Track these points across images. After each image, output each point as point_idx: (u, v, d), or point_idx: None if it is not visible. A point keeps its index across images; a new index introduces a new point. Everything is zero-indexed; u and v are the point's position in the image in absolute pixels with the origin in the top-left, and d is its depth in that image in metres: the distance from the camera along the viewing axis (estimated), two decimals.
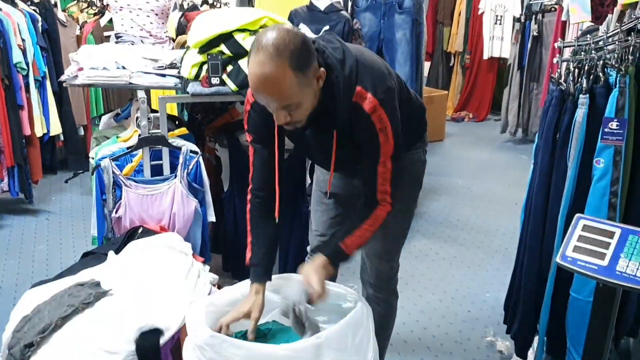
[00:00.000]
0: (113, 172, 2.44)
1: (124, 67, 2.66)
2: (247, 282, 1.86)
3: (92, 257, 2.38)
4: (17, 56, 4.03)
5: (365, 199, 1.84)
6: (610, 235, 1.73)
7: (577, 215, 1.83)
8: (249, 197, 1.94)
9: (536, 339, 2.36)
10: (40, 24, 4.36)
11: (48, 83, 4.42)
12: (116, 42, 3.45)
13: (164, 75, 2.67)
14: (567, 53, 2.31)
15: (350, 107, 1.68)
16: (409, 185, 2.14)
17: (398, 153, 1.76)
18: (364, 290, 2.32)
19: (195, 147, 2.61)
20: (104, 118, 3.35)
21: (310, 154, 2.09)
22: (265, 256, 1.87)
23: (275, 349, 1.58)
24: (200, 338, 1.64)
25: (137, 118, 2.54)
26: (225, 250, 3.11)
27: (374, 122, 1.69)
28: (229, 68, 2.50)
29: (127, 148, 2.55)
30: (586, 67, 2.12)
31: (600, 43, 2.13)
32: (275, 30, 1.55)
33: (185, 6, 4.28)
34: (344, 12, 3.70)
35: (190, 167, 2.53)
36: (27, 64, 4.14)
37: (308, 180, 2.90)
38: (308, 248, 2.41)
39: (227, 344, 1.59)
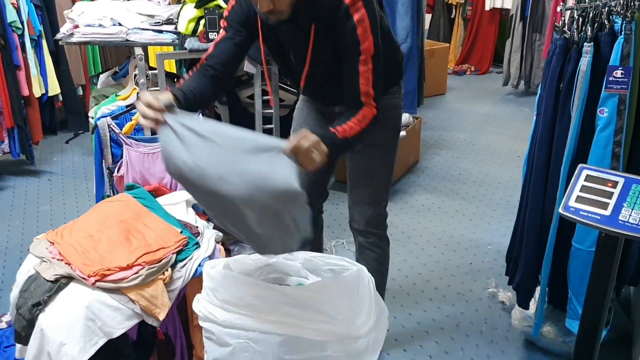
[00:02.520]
0: (113, 131, 2.43)
1: (120, 24, 2.62)
2: (258, 255, 1.85)
3: None
4: (11, 15, 3.96)
5: (350, 104, 1.82)
6: (614, 184, 1.72)
7: (580, 165, 1.82)
8: (194, 69, 1.84)
9: (538, 289, 2.39)
10: None
11: (44, 42, 4.36)
12: None
13: (160, 32, 2.63)
14: (570, 1, 2.26)
15: (330, 1, 1.71)
16: (388, 131, 2.15)
17: (378, 53, 1.77)
18: (355, 239, 2.34)
19: None
20: (102, 77, 3.31)
21: (285, 61, 2.06)
22: (190, 93, 1.74)
23: (288, 288, 1.60)
24: (214, 280, 1.65)
25: (135, 76, 2.52)
26: None
27: (352, 14, 1.71)
28: None
29: (126, 106, 2.53)
30: (590, 15, 2.07)
31: None
32: None
33: None
34: None
35: None
36: (22, 23, 4.07)
37: None
38: None
39: (241, 283, 1.61)
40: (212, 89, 1.84)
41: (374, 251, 2.29)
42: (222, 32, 1.88)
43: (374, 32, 1.75)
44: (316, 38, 1.79)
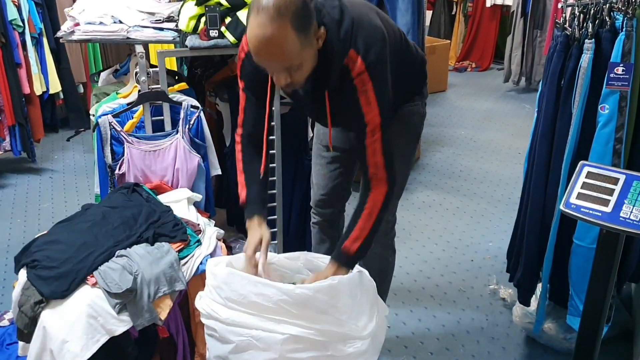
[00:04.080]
0: (114, 128, 2.43)
1: (120, 22, 2.61)
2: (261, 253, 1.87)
3: None
4: (12, 13, 3.97)
5: (362, 179, 1.78)
6: (615, 181, 1.72)
7: (581, 162, 1.82)
8: (237, 139, 1.93)
9: (539, 286, 2.39)
10: None
11: (45, 40, 4.36)
12: None
13: (161, 29, 2.62)
14: None
15: (341, 69, 1.65)
16: (407, 137, 2.13)
17: (387, 123, 1.70)
18: None
19: (195, 102, 2.58)
20: (103, 74, 3.30)
21: (305, 111, 2.07)
22: (260, 192, 1.88)
23: (292, 287, 1.60)
24: (218, 277, 1.66)
25: (136, 73, 2.51)
26: (229, 204, 3.12)
27: (357, 85, 1.65)
28: (227, 20, 2.45)
29: (128, 104, 2.53)
30: (592, 11, 2.07)
31: None
32: None
33: None
34: None
35: (192, 122, 2.52)
36: (23, 21, 4.07)
37: (310, 134, 2.89)
38: (311, 203, 2.42)
39: (245, 281, 1.61)
40: (261, 153, 1.90)
41: (378, 260, 2.25)
42: (242, 94, 1.87)
43: (381, 101, 1.67)
44: (332, 103, 1.75)
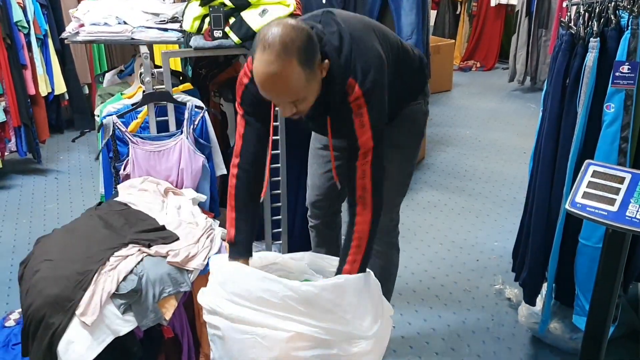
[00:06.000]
0: (119, 129, 2.43)
1: (125, 22, 2.62)
2: (265, 253, 1.88)
3: None
4: (17, 14, 3.98)
5: (348, 203, 1.78)
6: (620, 180, 1.71)
7: (587, 161, 1.81)
8: (234, 171, 1.86)
9: (545, 286, 2.38)
10: None
11: (50, 41, 4.37)
12: None
13: (166, 30, 2.62)
14: None
15: (342, 94, 1.68)
16: (410, 135, 2.14)
17: (380, 149, 1.71)
18: None
19: (200, 103, 2.58)
20: (108, 75, 3.31)
21: (305, 127, 2.09)
22: (249, 234, 1.85)
23: (298, 284, 1.60)
24: (223, 273, 1.66)
25: (140, 74, 2.51)
26: None
27: (352, 108, 1.68)
28: (232, 20, 2.45)
29: (132, 105, 2.53)
30: (597, 10, 2.06)
31: None
32: (280, 26, 1.53)
33: None
34: None
35: (196, 122, 2.52)
36: (28, 22, 4.09)
37: None
38: (307, 204, 2.42)
39: (252, 276, 1.61)
40: (257, 200, 1.87)
41: (382, 259, 2.24)
42: (240, 120, 1.84)
43: (375, 125, 1.69)
44: (333, 124, 1.79)
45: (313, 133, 2.30)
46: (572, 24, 2.14)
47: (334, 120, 1.79)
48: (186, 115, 2.50)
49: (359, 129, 1.69)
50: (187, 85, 2.69)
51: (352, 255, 1.73)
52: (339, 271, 1.75)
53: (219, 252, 2.18)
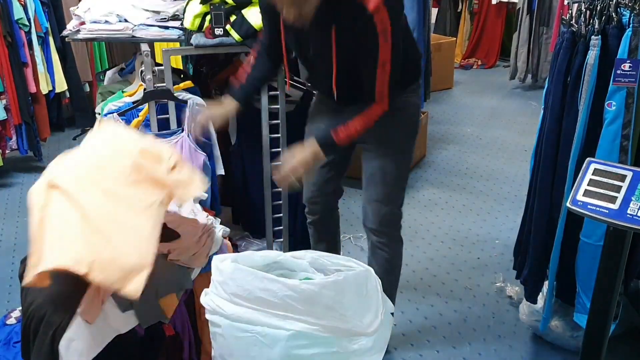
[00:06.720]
0: None
1: (126, 20, 2.62)
2: (266, 251, 1.89)
3: None
4: (18, 12, 3.97)
5: (366, 99, 1.90)
6: (622, 178, 1.71)
7: (588, 159, 1.81)
8: (254, 53, 2.18)
9: (546, 283, 2.38)
10: None
11: (51, 39, 4.37)
12: None
13: (166, 28, 2.63)
14: None
15: (353, 5, 1.70)
16: (405, 129, 2.14)
17: (397, 57, 1.80)
18: (368, 238, 2.33)
19: (201, 100, 2.59)
20: (109, 73, 3.31)
21: (311, 64, 2.10)
22: (253, 83, 2.14)
23: (297, 283, 1.60)
24: (224, 273, 1.66)
25: (141, 72, 2.52)
26: (234, 202, 3.12)
27: (376, 23, 1.71)
28: (233, 18, 2.45)
29: (133, 102, 2.53)
30: (598, 7, 2.06)
31: None
32: None
33: None
34: None
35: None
36: (29, 20, 4.08)
37: None
38: (303, 201, 2.42)
39: (251, 277, 1.62)
40: (274, 67, 2.19)
41: (385, 251, 2.27)
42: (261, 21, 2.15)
43: (395, 38, 1.75)
44: (338, 41, 1.81)
45: (307, 131, 2.29)
46: (573, 21, 2.14)
47: (340, 37, 1.81)
48: (187, 113, 2.50)
49: (383, 46, 1.75)
50: (188, 83, 2.69)
51: (353, 122, 1.88)
52: (327, 131, 1.91)
53: (220, 250, 2.18)
